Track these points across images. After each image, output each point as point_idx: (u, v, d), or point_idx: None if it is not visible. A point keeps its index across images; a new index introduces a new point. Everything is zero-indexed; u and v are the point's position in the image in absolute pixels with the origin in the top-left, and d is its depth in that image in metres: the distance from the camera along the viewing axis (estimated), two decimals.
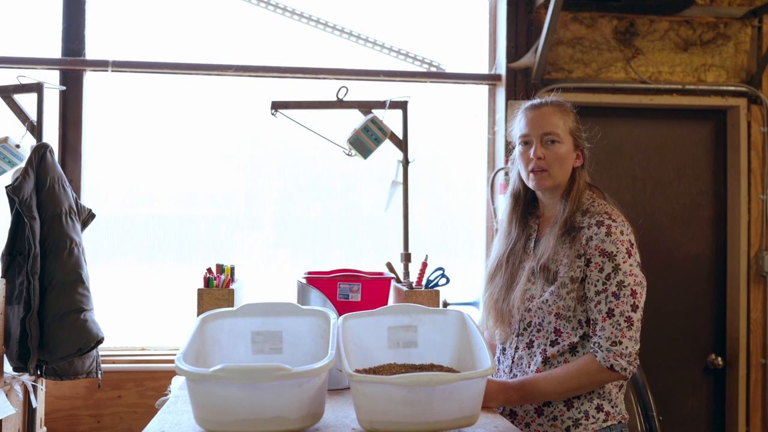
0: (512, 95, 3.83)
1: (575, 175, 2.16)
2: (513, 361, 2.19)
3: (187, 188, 3.89)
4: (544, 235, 2.17)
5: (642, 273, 2.05)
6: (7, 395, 2.86)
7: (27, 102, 3.20)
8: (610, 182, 4.00)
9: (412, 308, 2.10)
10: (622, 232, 2.03)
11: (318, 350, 1.97)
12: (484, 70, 4.02)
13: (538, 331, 2.12)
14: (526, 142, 2.17)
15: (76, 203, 3.13)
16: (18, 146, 3.18)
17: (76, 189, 3.57)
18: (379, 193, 3.91)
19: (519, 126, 2.20)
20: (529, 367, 2.13)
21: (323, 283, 2.40)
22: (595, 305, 2.02)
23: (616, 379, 2.03)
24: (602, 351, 1.98)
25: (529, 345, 2.15)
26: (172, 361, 3.50)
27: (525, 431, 2.12)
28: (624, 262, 2.00)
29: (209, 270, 2.56)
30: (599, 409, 2.08)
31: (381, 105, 3.11)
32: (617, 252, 2.01)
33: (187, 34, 3.85)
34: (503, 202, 3.46)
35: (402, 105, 3.14)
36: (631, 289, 2.00)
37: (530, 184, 2.18)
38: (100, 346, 3.04)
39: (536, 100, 2.21)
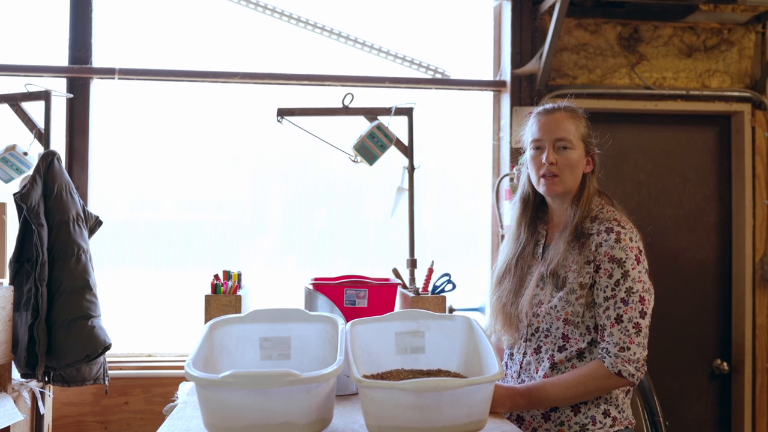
0: (517, 101, 3.84)
1: (585, 181, 2.17)
2: (521, 367, 2.19)
3: (194, 195, 3.90)
4: (553, 241, 2.17)
5: (650, 280, 2.05)
6: (15, 402, 2.87)
7: (34, 110, 3.21)
8: (615, 188, 4.00)
9: (419, 314, 2.10)
10: (631, 239, 2.04)
11: (326, 356, 1.97)
12: (489, 76, 4.04)
13: (546, 336, 2.13)
14: (538, 147, 2.17)
15: (84, 210, 3.15)
16: (26, 154, 3.19)
17: (83, 196, 3.59)
18: (384, 200, 3.92)
19: (531, 130, 2.20)
20: (536, 373, 2.14)
21: (330, 289, 2.41)
22: (603, 311, 2.03)
23: (624, 385, 2.04)
24: (610, 357, 1.99)
25: (537, 350, 2.15)
26: (178, 368, 3.53)
27: None
28: (633, 269, 2.01)
29: (216, 276, 2.57)
30: (606, 414, 2.08)
31: (386, 111, 3.12)
32: (626, 258, 2.01)
33: (193, 41, 3.87)
34: (509, 208, 3.46)
35: (407, 111, 3.15)
36: (640, 295, 2.00)
37: (540, 189, 2.18)
38: (107, 352, 3.05)
39: (548, 105, 2.21)
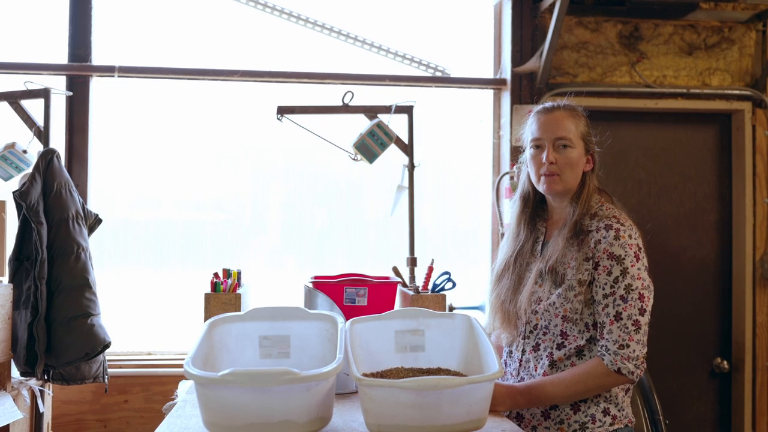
0: (517, 100, 3.84)
1: (585, 180, 2.17)
2: (520, 365, 2.19)
3: (194, 193, 3.90)
4: (552, 238, 2.17)
5: (649, 277, 2.05)
6: (14, 400, 2.86)
7: (34, 107, 3.21)
8: (616, 186, 4.00)
9: (419, 312, 2.10)
10: (630, 236, 2.04)
11: (326, 354, 1.97)
12: (489, 74, 4.03)
13: (545, 334, 2.13)
14: (537, 146, 2.16)
15: (83, 208, 3.14)
16: (25, 152, 3.19)
17: (83, 194, 3.59)
18: (384, 198, 3.92)
19: (531, 129, 2.19)
20: (535, 371, 2.13)
21: (330, 287, 2.41)
22: (602, 308, 2.02)
23: (624, 383, 2.03)
24: (610, 354, 1.99)
25: (536, 348, 2.15)
26: (178, 366, 3.52)
27: None
28: (632, 266, 2.01)
29: (216, 275, 2.57)
30: (606, 412, 2.08)
31: (386, 109, 3.11)
32: (625, 255, 2.01)
33: (193, 39, 3.86)
34: (509, 207, 3.46)
35: (407, 109, 3.14)
36: (639, 292, 2.00)
37: (540, 188, 2.18)
38: (106, 350, 3.04)
39: (548, 104, 2.21)
